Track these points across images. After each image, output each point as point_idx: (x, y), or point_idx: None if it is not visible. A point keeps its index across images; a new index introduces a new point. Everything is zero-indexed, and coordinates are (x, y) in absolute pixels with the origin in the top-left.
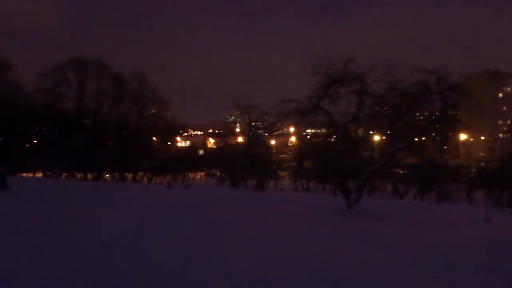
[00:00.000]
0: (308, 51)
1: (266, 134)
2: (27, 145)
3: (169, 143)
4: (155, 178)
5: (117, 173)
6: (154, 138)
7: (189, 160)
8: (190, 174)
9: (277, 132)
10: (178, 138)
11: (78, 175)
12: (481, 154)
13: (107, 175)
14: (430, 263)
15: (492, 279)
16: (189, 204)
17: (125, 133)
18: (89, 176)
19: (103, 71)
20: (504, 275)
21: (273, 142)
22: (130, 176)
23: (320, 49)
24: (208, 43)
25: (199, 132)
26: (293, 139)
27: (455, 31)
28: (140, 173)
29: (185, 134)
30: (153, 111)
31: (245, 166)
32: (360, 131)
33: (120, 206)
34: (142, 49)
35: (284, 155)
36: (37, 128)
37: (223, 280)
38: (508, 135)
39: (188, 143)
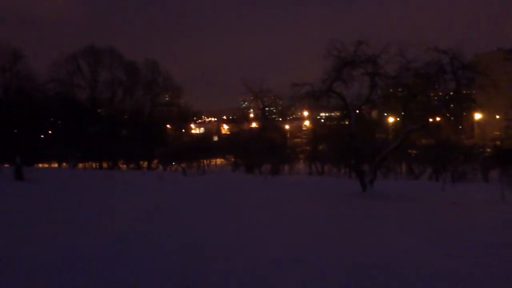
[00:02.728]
0: (324, 34)
1: (280, 119)
2: (42, 136)
3: (183, 130)
4: (170, 165)
5: (132, 162)
6: (168, 125)
7: (204, 146)
8: (205, 161)
9: (291, 117)
10: (192, 125)
11: (94, 165)
12: (496, 133)
13: (122, 164)
14: (447, 242)
15: (505, 256)
16: (205, 190)
17: (139, 121)
18: (104, 165)
19: (116, 60)
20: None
21: (287, 126)
22: (145, 164)
23: (335, 32)
24: (221, 29)
25: (213, 119)
26: (307, 123)
27: (470, 8)
28: (155, 161)
29: (199, 121)
30: (167, 98)
31: (260, 151)
32: (374, 113)
33: (136, 193)
34: (155, 36)
35: (299, 139)
36: (51, 119)
37: (247, 264)
38: None
39: (202, 130)
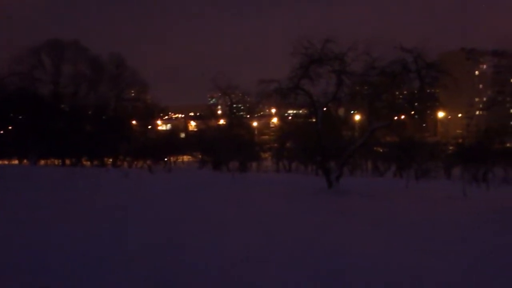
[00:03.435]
0: (291, 31)
1: (248, 116)
2: (1, 131)
3: (149, 126)
4: (135, 162)
5: (96, 159)
6: (134, 121)
7: (171, 143)
8: (172, 158)
9: (259, 114)
10: (159, 122)
11: (56, 162)
12: (458, 131)
13: (86, 161)
14: (408, 237)
15: (468, 252)
16: (172, 187)
17: (104, 117)
18: (67, 162)
19: (80, 54)
20: (479, 247)
21: (255, 123)
22: (109, 161)
23: (303, 29)
24: (189, 25)
25: (180, 115)
26: (275, 120)
27: (435, 8)
28: (120, 158)
29: (166, 117)
30: (132, 94)
31: (227, 148)
32: (341, 111)
33: (100, 192)
34: (121, 30)
35: (266, 137)
36: (11, 114)
37: (211, 262)
38: (484, 112)
39: (169, 126)
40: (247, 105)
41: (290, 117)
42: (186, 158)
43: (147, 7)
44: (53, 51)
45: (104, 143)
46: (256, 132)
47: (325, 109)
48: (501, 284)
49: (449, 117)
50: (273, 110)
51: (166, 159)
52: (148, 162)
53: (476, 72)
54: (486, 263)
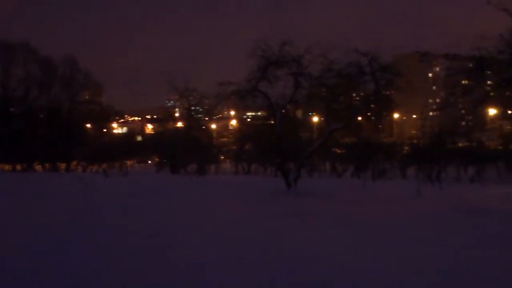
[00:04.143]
0: (250, 33)
1: (206, 118)
2: None
3: (104, 129)
4: (90, 166)
5: (48, 163)
6: (88, 124)
7: (127, 146)
8: (128, 161)
9: (217, 116)
10: (114, 125)
11: (6, 167)
12: (413, 132)
13: (38, 166)
14: (365, 237)
15: (421, 248)
16: (126, 191)
17: (56, 120)
18: (18, 167)
19: (30, 55)
20: (433, 244)
21: (213, 126)
22: (63, 165)
23: (261, 31)
24: (146, 26)
25: (137, 118)
26: (233, 122)
27: (392, 11)
28: (74, 162)
29: (122, 120)
30: (86, 96)
31: (185, 151)
32: (299, 113)
33: (53, 198)
34: (74, 32)
35: (225, 139)
36: None
37: (165, 268)
38: (438, 113)
39: (125, 129)
40: (206, 107)
41: (249, 119)
42: (143, 161)
43: (103, 8)
44: (1, 52)
45: (57, 147)
46: (214, 135)
47: (283, 111)
48: (460, 281)
49: (404, 118)
50: (232, 113)
51: (122, 163)
52: (104, 166)
53: (430, 75)
54: (443, 261)
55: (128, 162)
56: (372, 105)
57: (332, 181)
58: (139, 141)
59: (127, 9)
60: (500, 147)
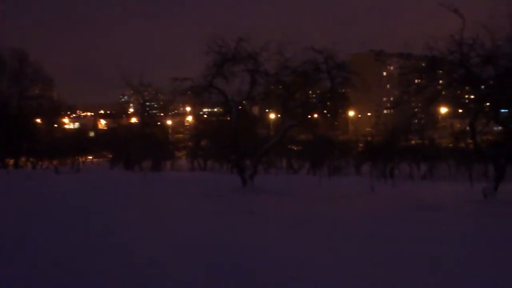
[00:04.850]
0: (207, 28)
1: (162, 114)
2: None
3: (55, 125)
4: (40, 163)
5: None
6: (38, 120)
7: (79, 142)
8: (80, 158)
9: (173, 112)
10: (66, 120)
11: None
12: (368, 129)
13: None
14: (317, 233)
15: (373, 243)
16: (77, 189)
17: (4, 115)
18: None
19: None
20: (384, 239)
21: (169, 122)
22: (11, 162)
23: (218, 27)
24: (100, 21)
25: (89, 113)
26: (189, 118)
27: (348, 11)
28: (23, 159)
29: (74, 115)
30: (37, 91)
31: (140, 147)
32: (255, 109)
33: None
34: (24, 25)
35: (181, 135)
36: None
37: (120, 264)
38: (391, 111)
39: (77, 125)
40: (161, 103)
41: (205, 116)
42: (96, 157)
43: (59, 2)
44: None
45: (5, 143)
46: (170, 131)
47: (240, 107)
48: (411, 274)
49: (359, 116)
50: (188, 109)
51: (74, 159)
52: (55, 162)
53: (384, 73)
54: (397, 255)
55: (80, 159)
56: (328, 103)
57: (288, 178)
58: (91, 137)
59: (83, 6)
60: (451, 145)
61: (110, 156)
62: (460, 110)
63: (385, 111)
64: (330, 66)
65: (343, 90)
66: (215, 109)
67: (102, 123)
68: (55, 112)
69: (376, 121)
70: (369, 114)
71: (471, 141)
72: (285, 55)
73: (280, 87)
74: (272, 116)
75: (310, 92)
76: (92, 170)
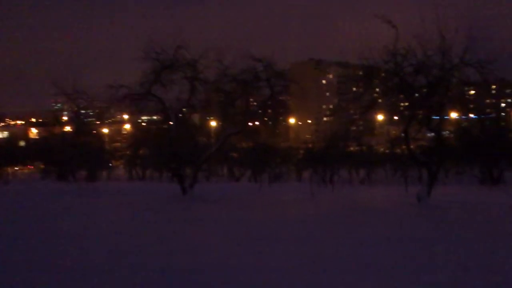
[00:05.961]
0: (145, 34)
1: (98, 122)
2: None
3: None
4: None
5: None
6: None
7: (8, 152)
8: (9, 169)
9: (109, 120)
10: None
11: None
12: (308, 136)
13: None
14: (256, 240)
15: (311, 249)
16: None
17: None
18: None
19: None
20: (321, 244)
21: (105, 130)
22: None
23: (155, 33)
24: (31, 24)
25: (19, 122)
26: (127, 126)
27: (287, 20)
28: None
29: (3, 124)
30: None
31: (74, 156)
32: (195, 117)
33: None
34: None
35: (118, 144)
36: None
37: (49, 276)
38: (331, 118)
39: (6, 134)
40: (97, 111)
41: (144, 123)
42: (27, 168)
43: None
44: None
45: None
46: (106, 139)
47: (179, 115)
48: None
49: (300, 123)
50: (126, 116)
51: (2, 170)
52: None
53: (324, 81)
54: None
55: (9, 169)
56: (269, 110)
57: (229, 185)
58: (22, 146)
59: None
60: (388, 151)
61: (42, 166)
62: (396, 117)
63: (324, 119)
64: (269, 75)
65: (283, 98)
66: (154, 117)
67: (34, 132)
68: None
69: (316, 128)
70: (309, 121)
71: (405, 147)
72: (224, 63)
73: (221, 94)
74: (213, 123)
75: (251, 99)
76: (22, 181)
